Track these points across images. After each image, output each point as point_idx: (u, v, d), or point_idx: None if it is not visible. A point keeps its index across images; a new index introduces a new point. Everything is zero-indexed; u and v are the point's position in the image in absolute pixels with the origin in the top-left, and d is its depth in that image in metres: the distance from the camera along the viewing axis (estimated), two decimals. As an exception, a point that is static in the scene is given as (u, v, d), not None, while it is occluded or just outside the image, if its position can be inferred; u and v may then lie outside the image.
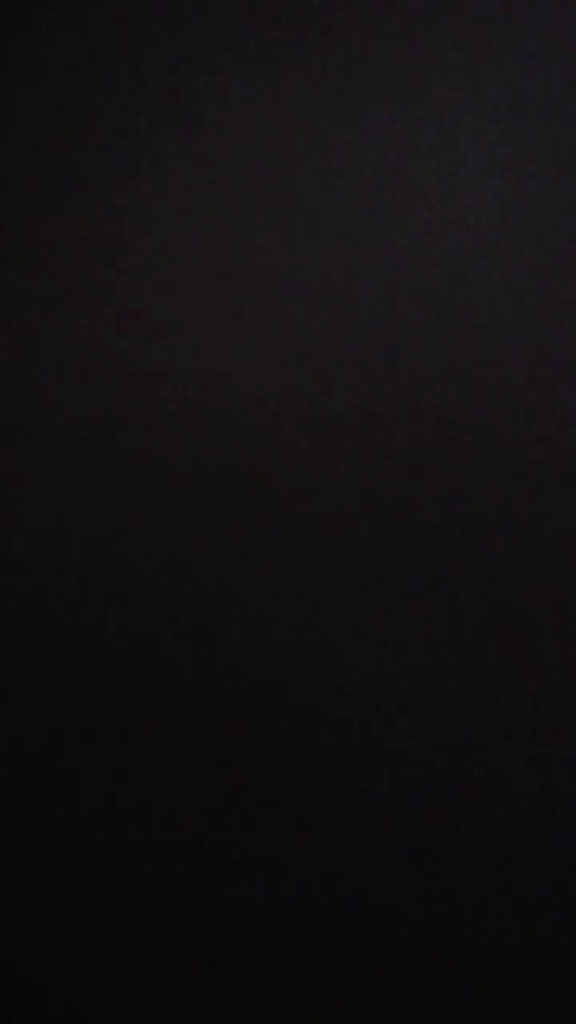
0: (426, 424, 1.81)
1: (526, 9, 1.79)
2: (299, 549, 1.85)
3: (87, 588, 1.94)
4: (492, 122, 1.80)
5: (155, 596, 1.91)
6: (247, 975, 1.86)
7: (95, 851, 1.92)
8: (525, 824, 1.76)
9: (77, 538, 1.95)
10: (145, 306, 1.93)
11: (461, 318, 1.81)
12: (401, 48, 1.84)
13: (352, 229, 1.85)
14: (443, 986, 1.79)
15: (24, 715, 1.96)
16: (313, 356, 1.86)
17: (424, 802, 1.80)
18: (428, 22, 1.83)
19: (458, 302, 1.81)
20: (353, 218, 1.85)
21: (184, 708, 1.89)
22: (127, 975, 1.91)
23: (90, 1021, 1.92)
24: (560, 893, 1.75)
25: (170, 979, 1.89)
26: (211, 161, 1.92)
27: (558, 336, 1.77)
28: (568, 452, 1.76)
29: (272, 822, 1.85)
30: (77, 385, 1.96)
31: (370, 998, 1.81)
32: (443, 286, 1.82)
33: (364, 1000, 1.82)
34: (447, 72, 1.82)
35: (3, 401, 2.00)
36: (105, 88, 1.96)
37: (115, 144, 1.96)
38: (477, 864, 1.78)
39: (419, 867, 1.80)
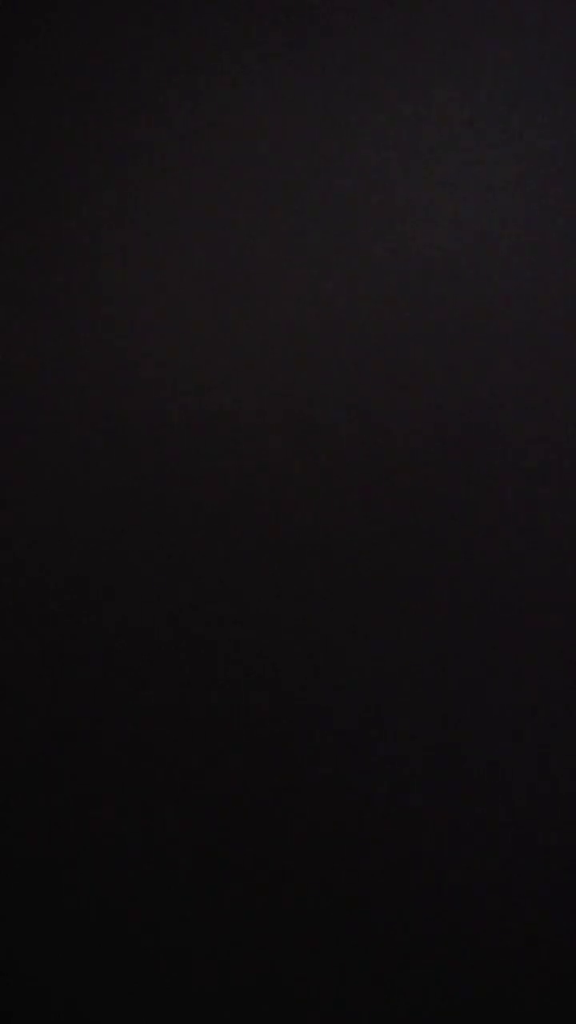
0: (426, 424, 1.81)
1: (526, 9, 1.79)
2: (299, 549, 1.85)
3: (86, 588, 1.94)
4: (492, 122, 1.80)
5: (155, 596, 1.91)
6: (247, 975, 1.86)
7: (95, 851, 1.92)
8: (525, 824, 1.76)
9: (77, 538, 1.95)
10: (144, 306, 1.93)
11: (461, 318, 1.81)
12: (401, 48, 1.84)
13: (352, 229, 1.85)
14: (443, 986, 1.79)
15: (24, 715, 1.96)
16: (313, 356, 1.86)
17: (424, 802, 1.80)
18: (428, 22, 1.83)
19: (458, 302, 1.81)
20: (353, 218, 1.85)
21: (184, 708, 1.89)
22: (127, 975, 1.91)
23: (90, 1021, 1.92)
24: (560, 893, 1.75)
25: (170, 979, 1.89)
26: (211, 161, 1.92)
27: (559, 336, 1.77)
28: (568, 452, 1.76)
29: (272, 822, 1.85)
30: (76, 385, 1.96)
31: (370, 998, 1.81)
32: (443, 286, 1.82)
33: (364, 1000, 1.82)
34: (447, 72, 1.82)
35: (2, 401, 2.00)
36: (105, 88, 1.96)
37: (115, 144, 1.96)
38: (477, 864, 1.78)
39: (419, 867, 1.80)
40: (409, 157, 1.83)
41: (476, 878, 1.78)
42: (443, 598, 1.80)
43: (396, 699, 1.81)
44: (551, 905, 1.75)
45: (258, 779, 1.86)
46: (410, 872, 1.80)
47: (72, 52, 1.98)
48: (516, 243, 1.79)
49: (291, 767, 1.84)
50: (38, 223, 1.98)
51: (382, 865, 1.81)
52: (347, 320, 1.85)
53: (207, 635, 1.88)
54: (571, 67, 1.77)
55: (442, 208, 1.82)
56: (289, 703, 1.85)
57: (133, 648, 1.91)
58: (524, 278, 1.79)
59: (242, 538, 1.88)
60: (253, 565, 1.87)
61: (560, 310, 1.77)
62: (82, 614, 1.93)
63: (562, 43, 1.77)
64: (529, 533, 1.77)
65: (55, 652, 1.94)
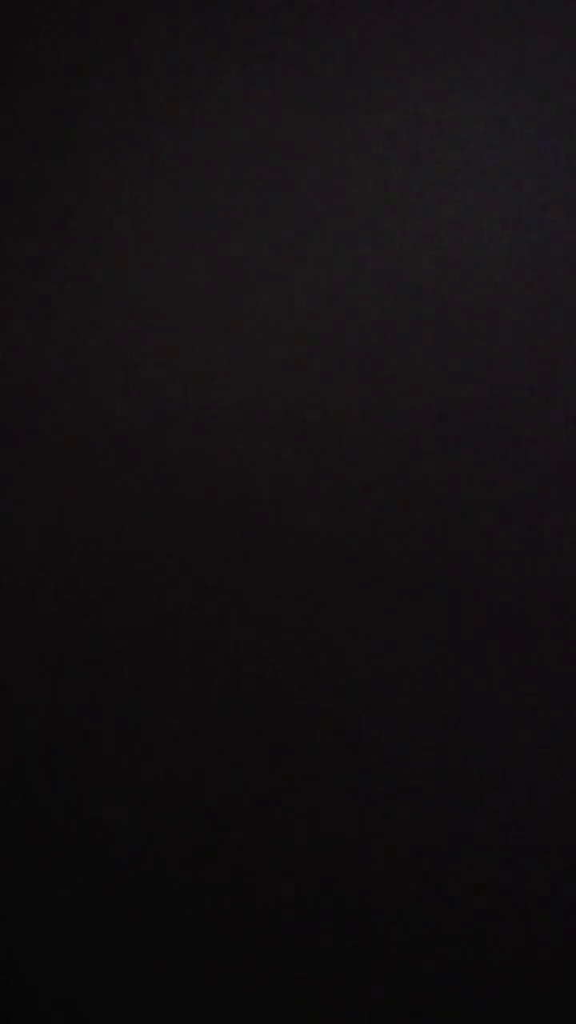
0: (426, 424, 1.81)
1: (526, 9, 1.79)
2: (299, 549, 1.85)
3: (86, 588, 1.94)
4: (493, 121, 1.80)
5: (154, 596, 1.91)
6: (247, 975, 1.86)
7: (94, 851, 1.92)
8: (525, 824, 1.76)
9: (76, 538, 1.95)
10: (144, 305, 1.93)
11: (462, 318, 1.81)
12: (402, 47, 1.84)
13: (352, 229, 1.85)
14: (443, 986, 1.79)
15: (24, 715, 1.96)
16: (313, 356, 1.86)
17: (424, 802, 1.80)
18: (429, 21, 1.83)
19: (458, 302, 1.81)
20: (353, 218, 1.85)
21: (183, 708, 1.89)
22: (127, 975, 1.91)
23: (90, 1021, 1.92)
24: (560, 893, 1.75)
25: (170, 979, 1.89)
26: (211, 161, 1.91)
27: (559, 336, 1.77)
28: (569, 452, 1.76)
29: (271, 822, 1.85)
30: (76, 385, 1.96)
31: (370, 998, 1.81)
32: (444, 286, 1.82)
33: (364, 1000, 1.82)
34: (448, 71, 1.82)
35: (2, 401, 2.00)
36: (105, 88, 1.96)
37: (115, 143, 1.95)
38: (477, 864, 1.78)
39: (419, 867, 1.80)
40: (409, 157, 1.83)
41: (476, 878, 1.78)
42: (443, 598, 1.80)
43: (396, 699, 1.81)
44: (551, 905, 1.75)
45: (258, 779, 1.86)
46: (410, 872, 1.80)
47: (72, 52, 1.98)
48: (516, 243, 1.79)
49: (291, 767, 1.84)
50: (38, 223, 1.98)
51: (382, 865, 1.81)
52: (347, 320, 1.85)
53: (207, 635, 1.88)
54: (571, 67, 1.77)
55: (442, 208, 1.82)
56: (289, 703, 1.85)
57: (133, 648, 1.91)
58: (525, 278, 1.79)
59: (242, 538, 1.88)
60: (253, 565, 1.87)
61: (561, 310, 1.77)
62: (81, 614, 1.93)
63: (562, 43, 1.77)
64: (529, 533, 1.77)
65: (55, 652, 1.94)
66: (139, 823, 1.90)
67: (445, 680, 1.79)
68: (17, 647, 1.96)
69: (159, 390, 1.92)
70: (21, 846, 1.95)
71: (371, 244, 1.84)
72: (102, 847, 1.92)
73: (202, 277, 1.91)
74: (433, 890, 1.79)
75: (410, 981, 1.80)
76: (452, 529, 1.80)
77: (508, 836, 1.77)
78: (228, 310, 1.90)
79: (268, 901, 1.85)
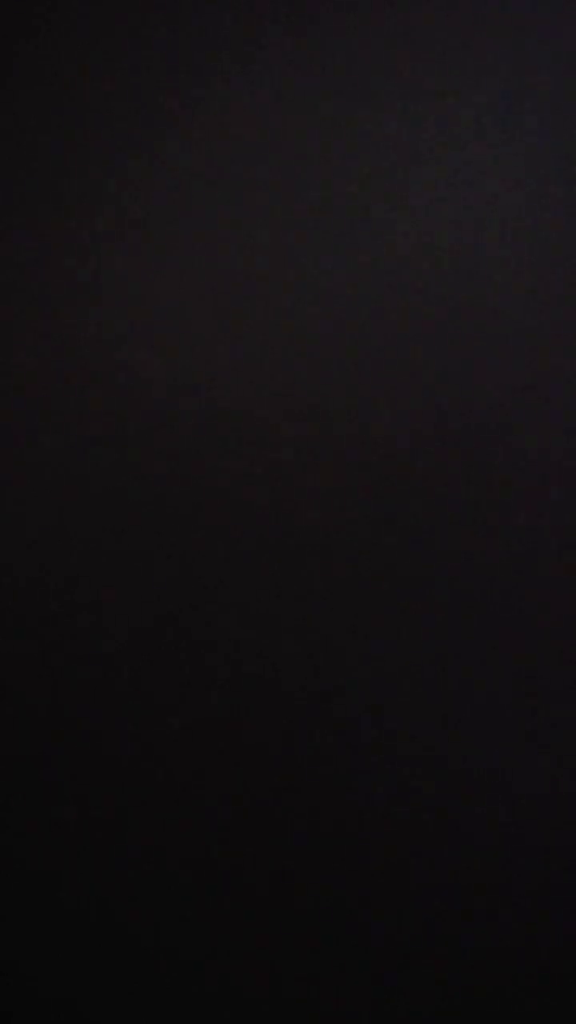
0: (426, 423, 1.81)
1: (526, 9, 1.79)
2: (299, 549, 1.85)
3: (86, 588, 1.94)
4: (493, 121, 1.80)
5: (154, 596, 1.91)
6: (247, 975, 1.86)
7: (94, 852, 1.92)
8: (525, 824, 1.76)
9: (77, 538, 1.95)
10: (144, 305, 1.93)
11: (461, 318, 1.81)
12: (401, 47, 1.84)
13: (352, 229, 1.85)
14: (443, 986, 1.79)
15: (24, 715, 1.96)
16: (313, 356, 1.86)
17: (424, 802, 1.80)
18: (429, 21, 1.83)
19: (459, 302, 1.81)
20: (353, 217, 1.85)
21: (183, 708, 1.89)
22: (127, 975, 1.91)
23: (90, 1021, 1.92)
24: (560, 893, 1.75)
25: (170, 979, 1.89)
26: (211, 160, 1.91)
27: (559, 335, 1.77)
28: (569, 452, 1.76)
29: (271, 821, 1.85)
30: (76, 385, 1.96)
31: (370, 998, 1.81)
32: (444, 286, 1.82)
33: (364, 1000, 1.82)
34: (447, 71, 1.82)
35: (2, 401, 2.00)
36: (105, 88, 1.96)
37: (115, 143, 1.96)
38: (477, 864, 1.78)
39: (419, 867, 1.80)
40: (409, 157, 1.83)
41: (476, 878, 1.78)
42: (443, 598, 1.80)
43: (396, 699, 1.81)
44: (551, 905, 1.75)
45: (258, 779, 1.86)
46: (410, 872, 1.80)
47: (72, 52, 1.98)
48: (516, 243, 1.79)
49: (291, 767, 1.84)
50: (38, 223, 1.98)
51: (382, 865, 1.81)
52: (347, 320, 1.85)
53: (207, 635, 1.88)
54: (571, 67, 1.77)
55: (442, 208, 1.82)
56: (289, 703, 1.85)
57: (132, 648, 1.91)
58: (524, 278, 1.79)
59: (242, 538, 1.88)
60: (253, 565, 1.87)
61: (560, 310, 1.77)
62: (82, 614, 1.93)
63: (562, 43, 1.77)
64: (529, 533, 1.77)
65: (55, 652, 1.94)
66: (139, 823, 1.90)
67: (445, 680, 1.79)
68: (17, 647, 1.96)
69: (159, 390, 1.92)
70: (21, 846, 1.95)
71: (371, 244, 1.84)
72: (102, 847, 1.92)
73: (202, 277, 1.91)
74: (433, 890, 1.79)
75: (410, 981, 1.80)
76: (452, 529, 1.80)
77: (508, 836, 1.77)
78: (228, 310, 1.90)
79: (268, 901, 1.85)
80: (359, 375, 1.84)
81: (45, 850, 1.94)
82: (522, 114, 1.79)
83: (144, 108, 1.95)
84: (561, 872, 1.75)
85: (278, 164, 1.89)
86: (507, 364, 1.79)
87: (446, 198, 1.82)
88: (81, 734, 1.93)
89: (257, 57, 1.90)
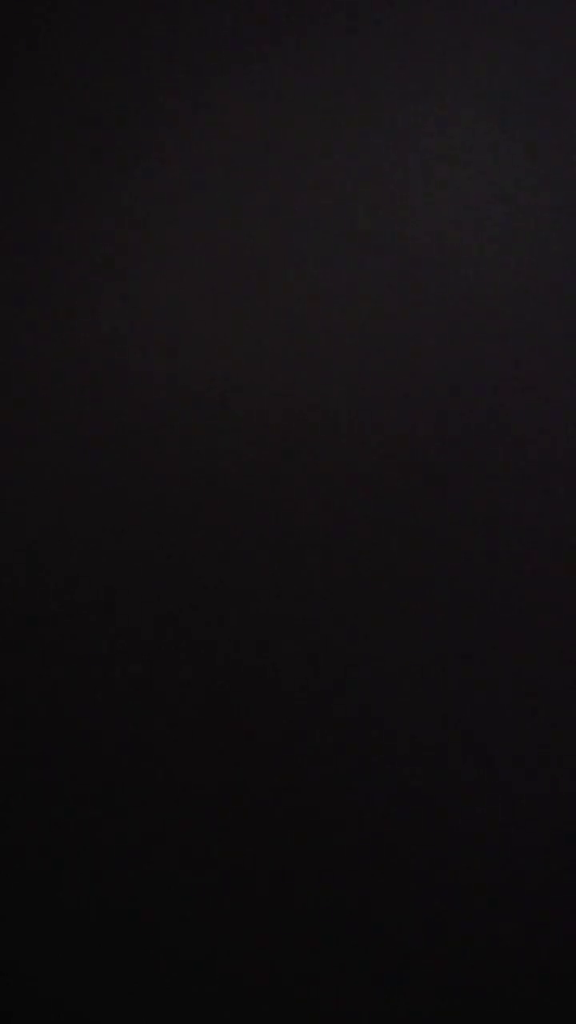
0: (426, 423, 1.81)
1: (526, 9, 1.79)
2: (299, 549, 1.85)
3: (86, 588, 1.94)
4: (493, 121, 1.80)
5: (154, 596, 1.91)
6: (247, 975, 1.86)
7: (95, 852, 1.92)
8: (525, 824, 1.76)
9: (76, 538, 1.95)
10: (144, 304, 1.93)
11: (462, 317, 1.81)
12: (401, 47, 1.84)
13: (352, 228, 1.85)
14: (443, 986, 1.79)
15: (24, 715, 1.96)
16: (313, 355, 1.86)
17: (424, 802, 1.80)
18: (429, 20, 1.83)
19: (459, 301, 1.81)
20: (353, 217, 1.85)
21: (183, 708, 1.89)
22: (127, 975, 1.91)
23: (90, 1021, 1.92)
24: (560, 893, 1.75)
25: (170, 979, 1.89)
26: (211, 160, 1.92)
27: (559, 335, 1.77)
28: (569, 451, 1.76)
29: (271, 821, 1.85)
30: (76, 385, 1.96)
31: (370, 998, 1.81)
32: (444, 285, 1.82)
33: (364, 1000, 1.82)
34: (447, 71, 1.82)
35: (2, 401, 2.00)
36: (105, 88, 1.96)
37: (115, 143, 1.96)
38: (477, 864, 1.78)
39: (419, 867, 1.80)
40: (409, 157, 1.83)
41: (476, 878, 1.78)
42: (443, 598, 1.80)
43: (396, 699, 1.81)
44: (551, 905, 1.75)
45: (258, 778, 1.86)
46: (410, 872, 1.80)
47: (72, 52, 1.98)
48: (516, 243, 1.79)
49: (291, 767, 1.84)
50: (38, 223, 1.99)
51: (382, 865, 1.81)
52: (347, 319, 1.85)
53: (207, 635, 1.88)
54: (571, 67, 1.77)
55: (442, 208, 1.82)
56: (289, 703, 1.85)
57: (133, 648, 1.91)
58: (524, 277, 1.79)
59: (242, 538, 1.88)
60: (253, 565, 1.87)
61: (560, 309, 1.77)
62: (81, 614, 1.93)
63: (562, 43, 1.78)
64: (529, 533, 1.77)
65: (55, 652, 1.94)
66: (139, 823, 1.90)
67: (445, 680, 1.79)
68: (17, 647, 1.96)
69: (160, 390, 1.92)
70: (21, 846, 1.95)
71: (371, 244, 1.84)
72: (102, 847, 1.92)
73: (202, 277, 1.91)
74: (433, 890, 1.79)
75: (410, 981, 1.80)
76: (452, 529, 1.80)
77: (508, 836, 1.77)
78: (228, 310, 1.90)
79: (268, 900, 1.85)
80: (359, 375, 1.84)
81: (45, 850, 1.94)
82: (522, 114, 1.79)
83: (144, 108, 1.95)
84: (561, 872, 1.75)
85: (278, 164, 1.89)
86: (507, 364, 1.79)
87: (446, 198, 1.82)
88: (81, 734, 1.93)
89: (257, 57, 1.90)
